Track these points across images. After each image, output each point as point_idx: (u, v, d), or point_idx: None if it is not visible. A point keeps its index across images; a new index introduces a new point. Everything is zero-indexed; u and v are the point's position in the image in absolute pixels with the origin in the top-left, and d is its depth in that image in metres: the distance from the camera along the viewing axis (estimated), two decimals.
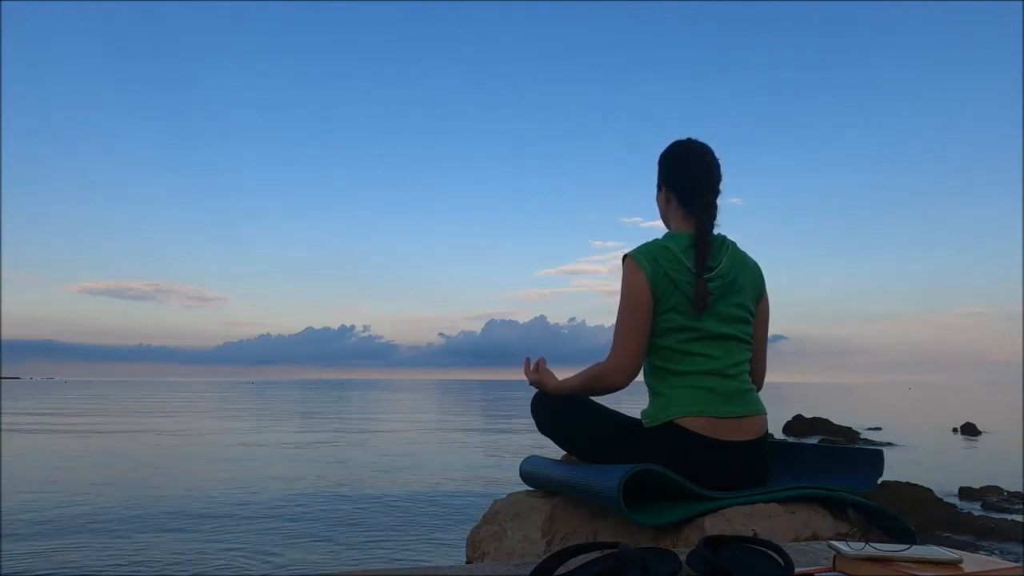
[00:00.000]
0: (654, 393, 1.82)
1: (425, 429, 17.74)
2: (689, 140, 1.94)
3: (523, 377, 2.03)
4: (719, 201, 1.88)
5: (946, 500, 6.33)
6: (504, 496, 2.04)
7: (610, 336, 1.82)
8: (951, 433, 16.73)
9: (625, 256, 1.81)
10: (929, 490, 6.20)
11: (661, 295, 1.76)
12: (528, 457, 2.12)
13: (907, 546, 0.99)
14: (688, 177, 1.87)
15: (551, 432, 1.98)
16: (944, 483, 7.80)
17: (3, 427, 16.52)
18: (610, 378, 1.81)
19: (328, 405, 31.30)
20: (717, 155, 1.91)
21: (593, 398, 1.97)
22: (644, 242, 1.85)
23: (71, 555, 4.69)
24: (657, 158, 1.98)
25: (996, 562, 0.98)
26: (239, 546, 4.97)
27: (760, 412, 1.81)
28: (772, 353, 2.04)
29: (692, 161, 1.88)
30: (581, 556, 1.06)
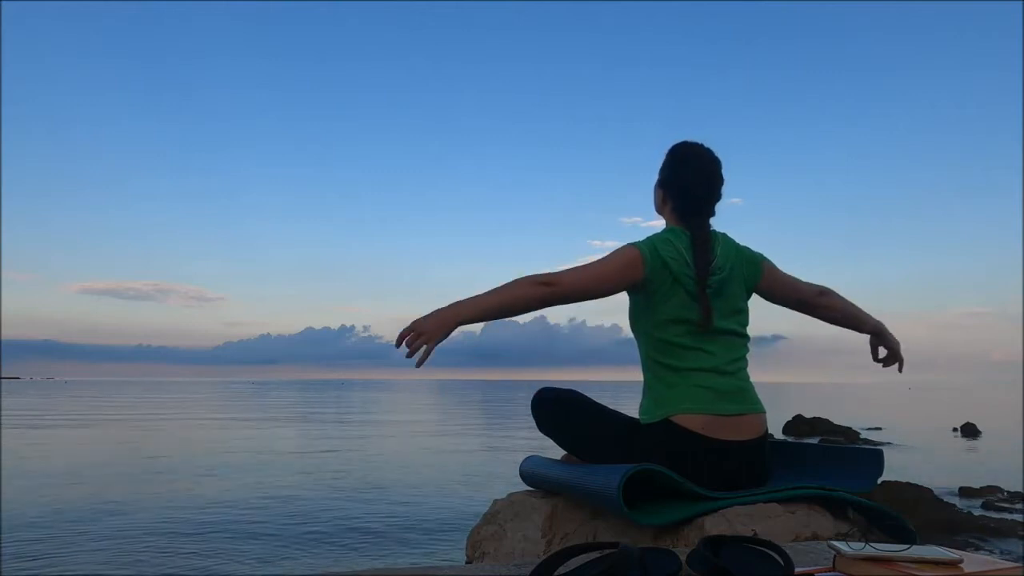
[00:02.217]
0: (651, 389, 1.81)
1: (425, 429, 17.73)
2: (698, 146, 1.90)
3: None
4: (719, 202, 1.88)
5: (946, 500, 6.33)
6: (504, 496, 2.04)
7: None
8: (951, 433, 16.73)
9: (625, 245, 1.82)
10: (929, 490, 6.20)
11: (658, 284, 1.76)
12: (528, 457, 2.12)
13: (907, 546, 0.99)
14: (687, 182, 1.86)
15: (551, 432, 1.97)
16: (944, 483, 7.80)
17: (3, 427, 16.50)
18: (553, 280, 1.69)
19: (328, 406, 31.28)
20: (721, 160, 1.89)
21: (593, 399, 1.96)
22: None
23: (70, 555, 4.69)
24: (661, 154, 1.95)
25: (996, 562, 0.98)
26: (238, 547, 4.97)
27: (759, 410, 1.81)
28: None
29: (694, 169, 1.86)
30: (581, 556, 1.06)
